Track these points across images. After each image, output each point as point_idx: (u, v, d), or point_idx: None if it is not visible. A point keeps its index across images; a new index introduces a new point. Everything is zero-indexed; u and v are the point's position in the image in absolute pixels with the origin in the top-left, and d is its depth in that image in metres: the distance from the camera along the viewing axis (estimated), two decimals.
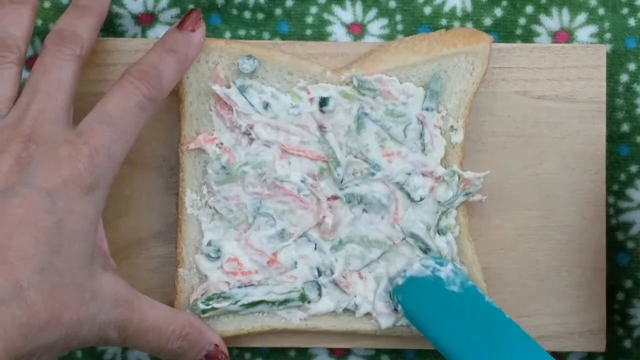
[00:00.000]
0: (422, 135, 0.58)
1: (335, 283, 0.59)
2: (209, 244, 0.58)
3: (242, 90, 0.58)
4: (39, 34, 0.61)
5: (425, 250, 0.58)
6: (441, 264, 0.57)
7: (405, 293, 0.57)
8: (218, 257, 0.58)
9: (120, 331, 0.53)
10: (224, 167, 0.58)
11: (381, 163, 0.58)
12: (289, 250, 0.59)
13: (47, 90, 0.54)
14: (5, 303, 0.48)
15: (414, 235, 0.58)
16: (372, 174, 0.58)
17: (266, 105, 0.58)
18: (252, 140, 0.58)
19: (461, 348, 0.55)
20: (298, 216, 0.58)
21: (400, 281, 0.58)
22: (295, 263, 0.59)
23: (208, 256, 0.58)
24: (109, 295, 0.53)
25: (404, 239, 0.58)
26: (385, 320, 0.59)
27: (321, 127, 0.58)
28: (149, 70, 0.54)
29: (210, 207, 0.58)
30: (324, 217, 0.58)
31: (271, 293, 0.58)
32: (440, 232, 0.58)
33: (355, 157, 0.58)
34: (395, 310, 0.58)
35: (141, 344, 0.55)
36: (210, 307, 0.58)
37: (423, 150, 0.58)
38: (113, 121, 0.53)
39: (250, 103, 0.58)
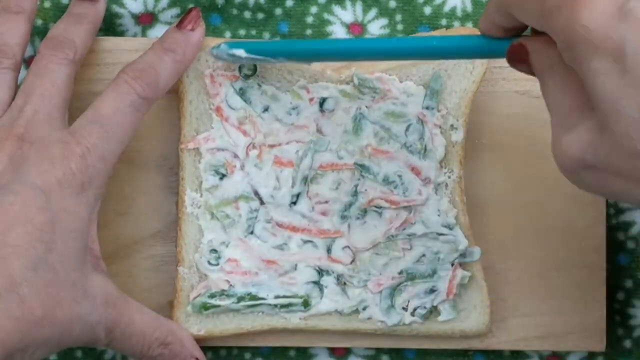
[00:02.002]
0: (422, 136, 0.58)
1: (336, 284, 0.59)
2: (211, 250, 0.58)
3: (241, 93, 0.58)
4: (39, 33, 0.61)
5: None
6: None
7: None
8: (218, 264, 0.58)
9: (108, 332, 0.54)
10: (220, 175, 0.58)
11: (376, 166, 0.58)
12: (289, 255, 0.59)
13: (41, 92, 0.54)
14: (1, 298, 0.48)
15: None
16: (362, 177, 0.58)
17: (266, 108, 0.58)
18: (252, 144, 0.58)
19: None
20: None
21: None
22: (295, 266, 0.59)
23: (208, 263, 0.58)
24: (99, 296, 0.53)
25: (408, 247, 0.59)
26: (390, 318, 0.59)
27: (319, 131, 0.58)
28: (145, 70, 0.55)
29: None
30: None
31: (274, 296, 0.58)
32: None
33: (353, 156, 0.58)
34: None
35: (125, 347, 0.55)
36: (212, 304, 0.58)
37: (424, 151, 0.58)
38: (106, 121, 0.53)
39: (249, 104, 0.58)
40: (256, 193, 0.58)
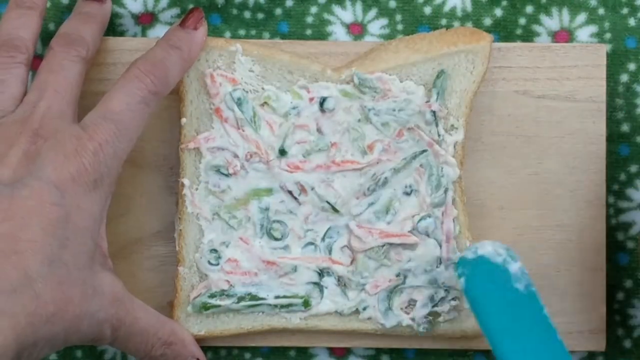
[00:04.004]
0: (437, 125, 0.58)
1: (336, 285, 0.59)
2: (211, 250, 0.58)
3: (238, 103, 0.58)
4: (39, 33, 0.61)
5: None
6: (513, 259, 0.55)
7: (473, 269, 0.55)
8: (218, 263, 0.58)
9: (114, 331, 0.54)
10: (225, 175, 0.58)
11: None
12: (290, 257, 0.59)
13: (55, 88, 0.54)
14: (16, 293, 0.48)
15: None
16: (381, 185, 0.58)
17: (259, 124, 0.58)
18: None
19: (507, 347, 0.53)
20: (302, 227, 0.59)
21: (469, 255, 0.55)
22: (295, 267, 0.59)
23: (209, 262, 0.58)
24: (107, 293, 0.53)
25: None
26: (388, 320, 0.59)
27: (319, 131, 0.58)
28: (156, 64, 0.55)
29: (212, 210, 0.59)
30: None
31: (274, 296, 0.58)
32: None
33: (352, 157, 0.58)
34: (457, 277, 0.56)
35: (129, 345, 0.55)
36: (212, 304, 0.58)
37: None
38: (117, 117, 0.53)
39: (244, 116, 0.58)
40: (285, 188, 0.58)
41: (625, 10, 0.62)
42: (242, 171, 0.58)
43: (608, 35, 0.62)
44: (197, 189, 0.59)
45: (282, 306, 0.59)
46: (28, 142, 0.52)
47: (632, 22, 0.62)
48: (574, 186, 0.61)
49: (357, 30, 0.62)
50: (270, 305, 0.58)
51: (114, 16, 0.62)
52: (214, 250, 0.58)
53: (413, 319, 0.59)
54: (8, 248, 0.49)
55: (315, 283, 0.59)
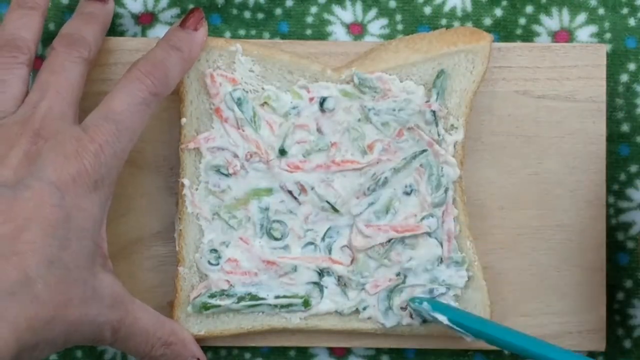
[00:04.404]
0: (437, 125, 0.58)
1: (336, 285, 0.59)
2: (211, 250, 0.58)
3: (238, 103, 0.58)
4: (41, 34, 0.61)
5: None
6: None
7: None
8: (218, 263, 0.58)
9: (114, 331, 0.54)
10: (225, 175, 0.58)
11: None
12: (290, 257, 0.59)
13: (56, 89, 0.55)
14: (16, 295, 0.48)
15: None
16: (380, 185, 0.58)
17: (258, 126, 0.58)
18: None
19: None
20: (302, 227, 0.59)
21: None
22: (295, 267, 0.59)
23: (209, 262, 0.58)
24: (107, 295, 0.53)
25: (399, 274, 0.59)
26: (388, 320, 0.59)
27: (319, 131, 0.58)
28: (156, 65, 0.55)
29: (212, 210, 0.59)
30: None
31: (274, 296, 0.58)
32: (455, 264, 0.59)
33: (352, 157, 0.58)
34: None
35: (129, 346, 0.55)
36: (212, 304, 0.58)
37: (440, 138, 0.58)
38: (118, 118, 0.53)
39: (244, 116, 0.58)
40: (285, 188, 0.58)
41: (625, 10, 0.62)
42: (242, 171, 0.58)
43: (608, 35, 0.62)
44: (197, 189, 0.59)
45: (282, 306, 0.59)
46: (29, 143, 0.52)
47: (632, 22, 0.62)
48: (574, 186, 0.61)
49: (357, 30, 0.62)
50: (270, 305, 0.59)
51: (114, 16, 0.62)
52: (214, 250, 0.58)
53: (412, 316, 0.59)
54: (8, 249, 0.49)
55: (315, 283, 0.59)
